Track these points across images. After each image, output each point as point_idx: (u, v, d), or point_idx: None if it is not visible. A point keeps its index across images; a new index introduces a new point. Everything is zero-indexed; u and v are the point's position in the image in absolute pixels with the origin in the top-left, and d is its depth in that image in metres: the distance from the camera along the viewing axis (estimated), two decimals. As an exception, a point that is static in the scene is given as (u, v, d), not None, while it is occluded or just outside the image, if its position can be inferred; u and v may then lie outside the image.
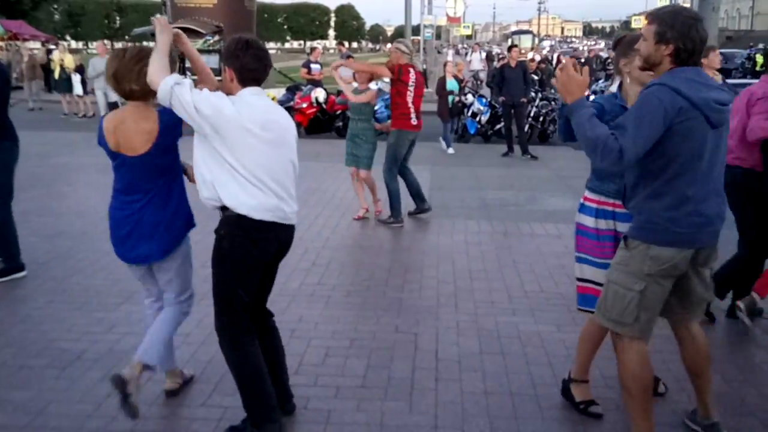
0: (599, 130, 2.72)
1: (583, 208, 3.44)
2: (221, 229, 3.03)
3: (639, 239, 2.86)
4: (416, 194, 7.40)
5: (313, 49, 17.74)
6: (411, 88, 6.97)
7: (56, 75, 17.66)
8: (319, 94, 13.82)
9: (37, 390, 3.64)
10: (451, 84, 12.88)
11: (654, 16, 2.83)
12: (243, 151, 2.92)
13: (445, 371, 3.91)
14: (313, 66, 14.96)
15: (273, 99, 14.52)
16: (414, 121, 7.05)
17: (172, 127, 3.22)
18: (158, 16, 3.23)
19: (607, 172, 3.26)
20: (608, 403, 3.57)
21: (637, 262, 2.85)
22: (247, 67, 2.99)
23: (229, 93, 3.02)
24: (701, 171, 2.77)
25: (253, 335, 3.15)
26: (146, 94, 3.16)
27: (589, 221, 3.39)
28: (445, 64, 14.54)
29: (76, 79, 17.18)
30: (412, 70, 7.00)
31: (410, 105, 7.00)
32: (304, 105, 13.70)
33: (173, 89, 2.88)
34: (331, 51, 55.02)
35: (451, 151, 12.10)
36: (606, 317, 2.99)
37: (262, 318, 3.31)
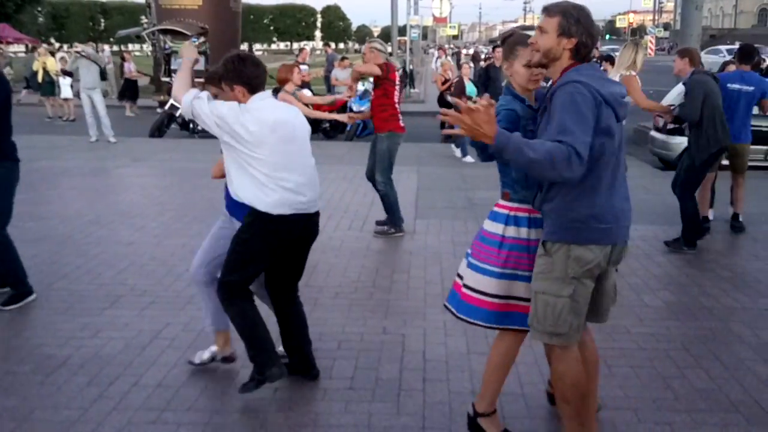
0: (542, 147, 2.48)
1: (518, 220, 3.04)
2: (247, 216, 3.41)
3: (560, 241, 2.73)
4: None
5: (301, 50, 17.73)
6: (397, 88, 6.67)
7: (39, 78, 17.52)
8: (305, 95, 13.81)
9: (22, 397, 3.61)
10: (470, 88, 11.83)
11: (556, 9, 2.71)
12: (258, 154, 3.28)
13: (432, 372, 3.91)
14: (301, 67, 14.95)
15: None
16: (402, 123, 6.73)
17: None
18: (187, 43, 3.57)
19: (531, 180, 2.95)
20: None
21: (560, 266, 2.73)
22: (253, 75, 3.34)
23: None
24: (617, 165, 2.73)
25: (248, 296, 3.51)
26: None
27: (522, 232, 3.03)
28: (460, 67, 14.12)
29: (64, 82, 17.04)
30: (394, 68, 6.83)
31: (397, 106, 6.67)
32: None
33: (193, 103, 3.35)
34: (318, 52, 54.95)
35: (469, 159, 11.04)
36: (540, 330, 2.81)
37: (290, 294, 3.73)
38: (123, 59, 20.33)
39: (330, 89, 17.25)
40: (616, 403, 3.59)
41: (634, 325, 4.57)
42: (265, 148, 3.28)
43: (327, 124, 13.58)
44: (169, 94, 14.65)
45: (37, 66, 17.69)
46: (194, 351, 4.06)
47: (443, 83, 14.40)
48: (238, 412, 3.47)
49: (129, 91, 19.01)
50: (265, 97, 3.40)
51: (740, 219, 6.96)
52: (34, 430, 3.32)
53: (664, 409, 3.52)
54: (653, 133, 10.66)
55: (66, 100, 17.44)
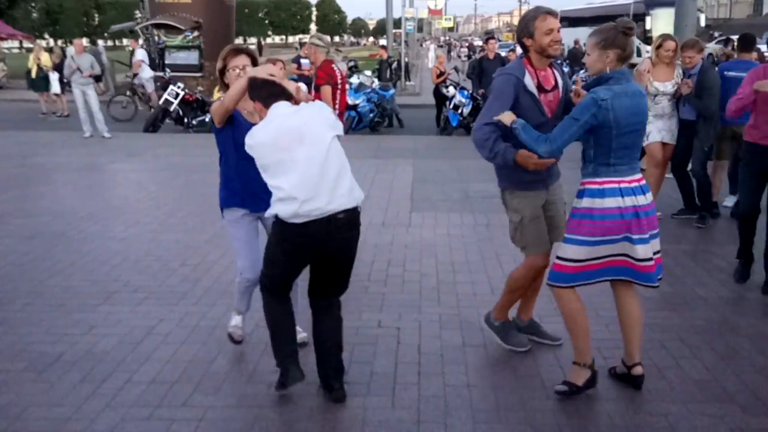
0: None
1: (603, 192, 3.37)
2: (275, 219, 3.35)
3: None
4: None
5: (302, 43, 17.58)
6: (339, 89, 6.63)
7: (33, 74, 17.42)
8: (302, 89, 13.75)
9: (15, 394, 3.59)
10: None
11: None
12: (272, 170, 3.24)
13: (427, 365, 3.90)
14: (303, 61, 14.84)
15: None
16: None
17: None
18: (249, 71, 3.57)
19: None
20: (590, 391, 3.57)
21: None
22: (268, 94, 3.34)
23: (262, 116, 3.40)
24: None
25: (281, 297, 3.51)
26: None
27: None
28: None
29: (53, 77, 16.97)
30: (335, 67, 6.66)
31: (337, 104, 6.62)
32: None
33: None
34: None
35: None
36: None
37: (322, 302, 3.59)
38: (132, 54, 20.21)
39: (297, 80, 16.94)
40: (611, 393, 3.58)
41: (629, 316, 4.55)
42: (274, 160, 3.24)
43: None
44: (164, 89, 14.57)
45: (31, 62, 17.58)
46: (188, 346, 4.05)
47: (438, 76, 14.34)
48: (232, 407, 3.45)
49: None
50: (279, 105, 3.34)
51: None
52: (27, 427, 3.30)
53: (660, 400, 3.52)
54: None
55: (58, 95, 17.35)
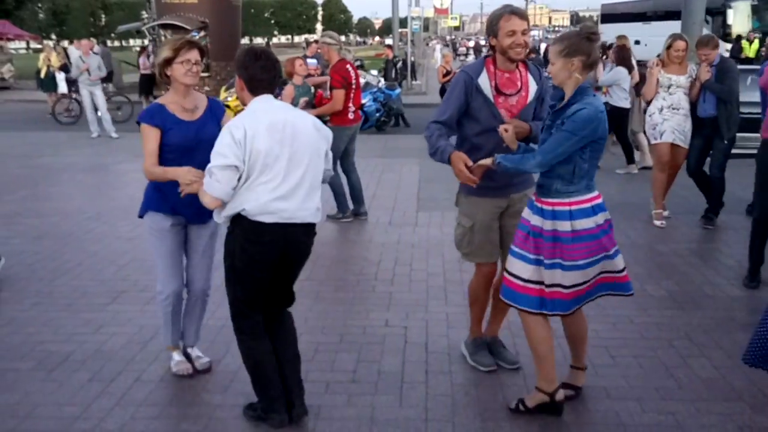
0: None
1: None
2: (230, 225, 3.14)
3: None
4: (356, 197, 7.17)
5: (309, 43, 17.54)
6: (354, 87, 6.88)
7: (42, 74, 17.49)
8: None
9: (24, 393, 3.61)
10: None
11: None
12: (258, 167, 2.99)
13: (435, 364, 3.90)
14: (309, 61, 14.85)
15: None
16: (351, 116, 6.95)
17: None
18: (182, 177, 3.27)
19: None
20: (598, 391, 3.57)
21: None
22: (256, 77, 3.08)
23: (242, 100, 3.18)
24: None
25: (254, 329, 3.23)
26: None
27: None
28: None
29: (60, 77, 17.03)
30: (349, 67, 6.87)
31: (350, 102, 6.89)
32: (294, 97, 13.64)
33: (213, 179, 2.96)
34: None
35: None
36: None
37: (274, 314, 3.36)
38: (141, 52, 20.22)
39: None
40: (619, 392, 3.57)
41: (637, 315, 4.55)
42: (255, 151, 3.01)
43: (328, 118, 13.53)
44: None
45: (41, 63, 17.65)
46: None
47: (444, 75, 14.34)
48: (240, 406, 3.46)
49: (146, 85, 18.88)
50: (267, 99, 3.13)
51: None
52: (37, 426, 3.31)
53: (668, 399, 3.51)
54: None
55: (64, 95, 17.41)
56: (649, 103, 6.80)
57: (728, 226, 6.68)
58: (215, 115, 3.59)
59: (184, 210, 3.53)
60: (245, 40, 48.64)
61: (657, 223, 6.67)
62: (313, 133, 3.15)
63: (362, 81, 15.03)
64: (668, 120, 6.55)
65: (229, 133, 2.97)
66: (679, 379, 3.71)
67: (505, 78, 3.48)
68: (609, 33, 36.79)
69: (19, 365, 3.92)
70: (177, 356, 3.83)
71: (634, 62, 9.49)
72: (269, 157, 2.99)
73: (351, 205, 7.15)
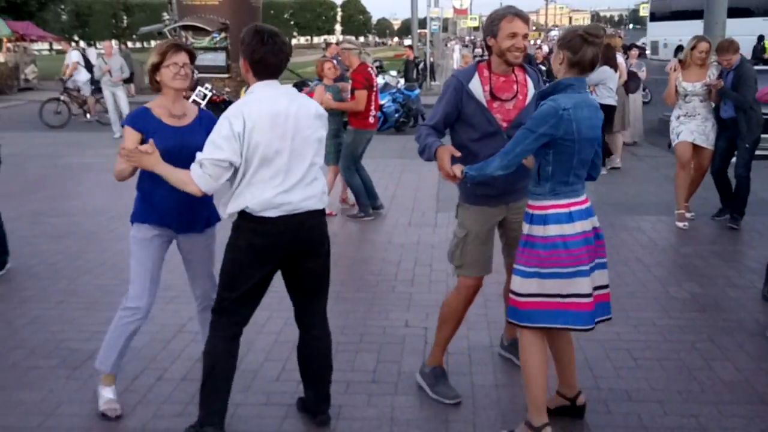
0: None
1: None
2: (236, 220, 3.06)
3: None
4: (369, 192, 7.33)
5: (328, 44, 17.54)
6: (374, 90, 7.01)
7: (66, 75, 17.69)
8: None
9: (48, 390, 3.66)
10: None
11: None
12: (258, 160, 2.91)
13: (455, 365, 3.89)
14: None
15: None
16: (371, 120, 7.09)
17: None
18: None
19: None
20: (620, 394, 3.55)
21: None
22: (264, 62, 2.95)
23: (247, 81, 3.06)
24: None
25: (230, 331, 3.10)
26: None
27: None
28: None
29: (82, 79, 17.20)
30: (370, 70, 7.03)
31: (372, 105, 7.02)
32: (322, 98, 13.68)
33: (203, 171, 2.88)
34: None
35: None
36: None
37: (305, 318, 3.31)
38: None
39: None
40: (641, 395, 3.55)
41: (659, 317, 4.51)
42: (255, 142, 2.94)
43: (346, 119, 13.58)
44: (192, 89, 14.69)
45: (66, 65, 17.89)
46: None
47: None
48: (261, 404, 3.48)
49: None
50: (271, 85, 3.00)
51: None
52: (61, 423, 3.36)
53: (691, 401, 3.48)
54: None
55: (87, 97, 17.59)
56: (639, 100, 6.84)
57: (752, 227, 6.60)
58: (204, 126, 3.32)
59: (171, 221, 3.40)
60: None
61: (679, 224, 6.62)
62: (314, 123, 3.06)
63: (381, 82, 15.14)
64: (685, 124, 6.61)
65: (228, 124, 2.86)
66: (701, 382, 3.68)
67: (501, 82, 3.34)
68: (659, 32, 35.86)
69: (43, 363, 3.98)
70: (109, 393, 3.46)
71: (622, 61, 9.55)
72: (269, 149, 2.90)
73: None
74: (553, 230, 2.94)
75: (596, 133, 3.00)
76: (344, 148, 7.13)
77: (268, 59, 2.94)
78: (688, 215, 6.77)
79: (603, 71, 8.95)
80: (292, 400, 3.53)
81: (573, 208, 2.97)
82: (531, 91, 3.40)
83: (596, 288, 3.03)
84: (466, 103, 3.30)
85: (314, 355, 3.29)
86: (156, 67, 3.31)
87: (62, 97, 15.79)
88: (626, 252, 5.87)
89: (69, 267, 5.65)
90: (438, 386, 3.58)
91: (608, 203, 7.36)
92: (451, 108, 3.33)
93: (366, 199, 7.17)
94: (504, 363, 3.92)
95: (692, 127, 6.56)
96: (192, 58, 3.37)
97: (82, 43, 34.38)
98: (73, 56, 17.04)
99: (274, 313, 4.51)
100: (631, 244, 6.11)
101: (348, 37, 13.42)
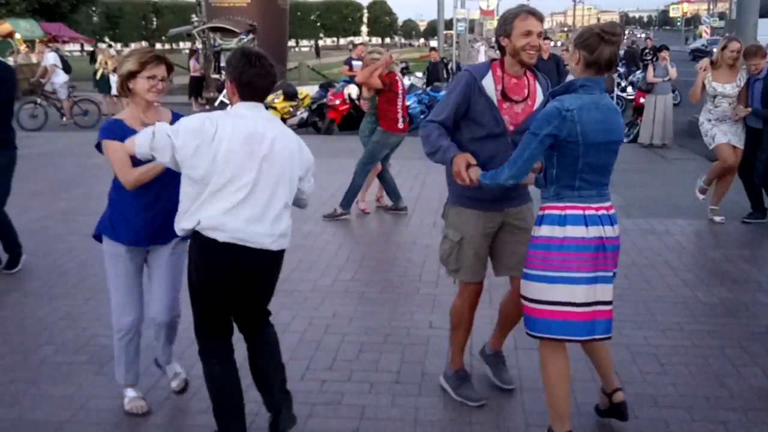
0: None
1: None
2: (190, 240, 2.94)
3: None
4: (392, 192, 7.47)
5: (355, 45, 17.55)
6: (400, 96, 7.07)
7: (98, 76, 17.97)
8: (352, 90, 13.83)
9: (78, 386, 3.72)
10: None
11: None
12: (216, 164, 2.76)
13: (478, 366, 3.88)
14: (354, 63, 14.92)
15: (306, 97, 14.58)
16: (401, 125, 7.14)
17: None
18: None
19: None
20: (647, 399, 3.51)
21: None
22: (252, 85, 2.85)
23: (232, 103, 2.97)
24: None
25: (219, 353, 3.03)
26: None
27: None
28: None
29: (113, 79, 17.47)
30: (398, 78, 7.11)
31: (399, 110, 7.09)
32: (337, 102, 13.74)
33: (150, 134, 2.83)
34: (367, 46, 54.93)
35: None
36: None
37: (249, 327, 3.17)
38: (191, 55, 20.63)
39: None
40: (668, 400, 3.51)
41: (687, 322, 4.46)
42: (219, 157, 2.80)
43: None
44: (219, 90, 14.85)
45: (99, 64, 18.16)
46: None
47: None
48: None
49: (196, 87, 19.27)
50: (252, 107, 2.87)
51: None
52: (89, 417, 3.42)
53: (719, 408, 3.43)
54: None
55: (118, 97, 17.84)
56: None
57: (783, 232, 6.50)
58: None
59: (140, 239, 3.32)
60: (292, 42, 49.13)
61: (717, 219, 6.69)
62: (292, 156, 2.91)
63: (407, 83, 15.14)
64: (717, 126, 6.59)
65: (201, 122, 2.77)
66: (730, 388, 3.63)
67: (513, 83, 3.27)
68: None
69: (73, 359, 4.04)
70: (131, 392, 3.51)
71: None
72: (233, 164, 2.75)
73: (388, 201, 7.50)
74: (545, 231, 2.90)
75: (611, 137, 2.86)
76: (368, 145, 7.21)
77: (256, 82, 2.84)
78: (717, 219, 6.71)
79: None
80: (317, 399, 3.55)
81: (569, 212, 2.86)
82: (540, 97, 3.31)
83: (597, 303, 2.89)
84: (476, 99, 3.22)
85: (269, 357, 3.18)
86: (132, 75, 3.17)
87: (39, 100, 15.47)
88: (654, 256, 5.80)
89: (99, 264, 5.67)
90: (462, 389, 3.57)
91: (636, 206, 7.30)
92: (461, 102, 3.23)
93: (397, 192, 7.37)
94: (529, 365, 3.90)
95: (725, 129, 6.54)
96: (170, 71, 3.28)
97: (113, 45, 34.80)
98: (50, 58, 16.45)
99: (300, 313, 4.54)
100: (660, 247, 6.04)
101: (377, 47, 13.34)
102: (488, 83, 3.23)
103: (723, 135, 6.53)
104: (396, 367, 3.90)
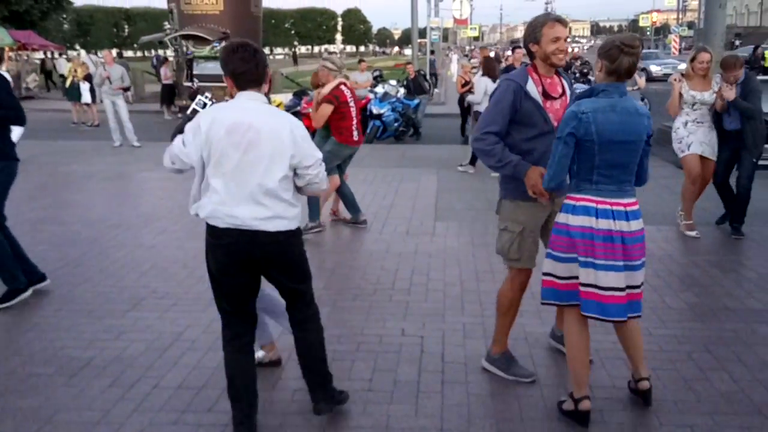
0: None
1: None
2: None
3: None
4: (351, 205, 7.24)
5: (360, 61, 17.34)
6: (352, 107, 6.80)
7: (67, 84, 17.79)
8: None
9: (45, 398, 3.67)
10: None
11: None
12: (207, 149, 3.03)
13: (451, 374, 3.90)
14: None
15: (279, 104, 14.57)
16: (356, 137, 6.89)
17: None
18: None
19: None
20: (615, 403, 3.55)
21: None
22: (237, 70, 3.04)
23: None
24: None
25: (234, 342, 3.25)
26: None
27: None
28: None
29: (84, 87, 17.30)
30: (344, 87, 6.78)
31: (353, 124, 6.84)
32: (311, 110, 13.73)
33: (170, 148, 3.15)
34: (337, 55, 54.97)
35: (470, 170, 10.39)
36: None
37: (293, 316, 3.41)
38: (161, 64, 20.55)
39: None
40: (637, 405, 3.55)
41: (655, 327, 4.52)
42: (214, 148, 3.06)
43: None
44: (191, 98, 14.76)
45: (68, 72, 17.98)
46: (215, 353, 4.09)
47: (463, 85, 14.34)
48: (257, 413, 3.48)
49: (168, 95, 19.17)
50: (252, 97, 3.08)
51: None
52: (57, 430, 3.36)
53: (686, 412, 3.49)
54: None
55: (88, 105, 17.67)
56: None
57: (750, 238, 6.61)
58: None
59: None
60: (266, 51, 48.97)
61: (692, 233, 6.68)
62: (282, 141, 3.03)
63: (380, 91, 15.15)
64: (693, 133, 6.62)
65: (198, 116, 3.11)
66: (697, 392, 3.68)
67: (548, 83, 3.60)
68: None
69: (41, 370, 3.98)
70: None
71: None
72: (217, 152, 2.99)
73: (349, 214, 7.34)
74: (561, 218, 3.32)
75: (630, 137, 3.17)
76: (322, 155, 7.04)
77: (239, 67, 3.03)
78: (692, 233, 6.77)
79: (480, 81, 9.67)
80: (288, 409, 3.54)
81: (582, 203, 3.23)
82: (569, 91, 3.69)
83: (628, 287, 3.31)
84: (524, 103, 3.52)
85: (305, 350, 3.42)
86: None
87: None
88: (623, 262, 5.87)
89: (68, 274, 5.66)
90: (513, 368, 3.85)
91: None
92: (512, 110, 3.51)
93: (317, 208, 6.98)
94: (544, 358, 3.92)
95: (701, 137, 6.56)
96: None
97: (83, 52, 34.57)
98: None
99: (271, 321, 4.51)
100: (629, 254, 6.11)
101: (331, 56, 13.20)
102: (531, 87, 3.54)
103: (698, 145, 6.56)
104: (368, 375, 3.90)
